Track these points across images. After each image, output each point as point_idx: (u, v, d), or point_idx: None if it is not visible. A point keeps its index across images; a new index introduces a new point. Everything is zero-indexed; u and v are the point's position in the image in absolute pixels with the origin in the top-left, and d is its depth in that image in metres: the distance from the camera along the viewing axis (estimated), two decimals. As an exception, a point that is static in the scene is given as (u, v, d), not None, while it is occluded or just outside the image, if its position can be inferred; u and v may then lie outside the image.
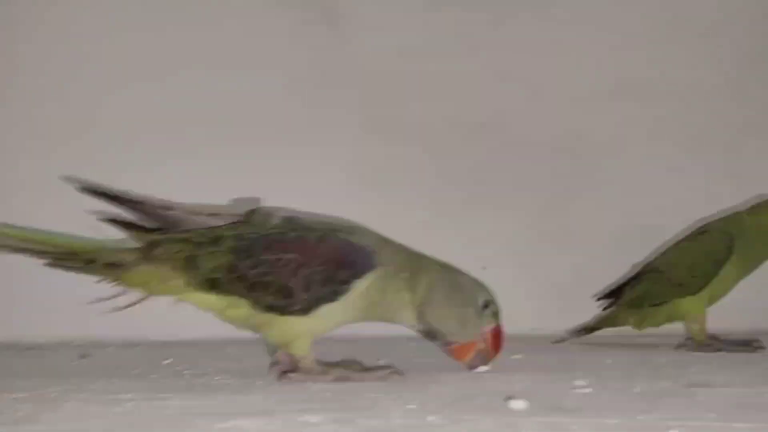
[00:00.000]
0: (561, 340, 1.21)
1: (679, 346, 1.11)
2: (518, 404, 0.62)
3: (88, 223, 0.79)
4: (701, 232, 1.13)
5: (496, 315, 0.83)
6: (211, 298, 0.77)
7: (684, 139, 1.42)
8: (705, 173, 1.33)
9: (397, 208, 1.37)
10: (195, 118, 1.33)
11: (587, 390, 0.70)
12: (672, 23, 1.44)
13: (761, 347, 1.08)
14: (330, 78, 1.38)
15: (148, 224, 0.78)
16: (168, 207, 0.78)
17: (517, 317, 1.35)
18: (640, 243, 1.33)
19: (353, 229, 0.82)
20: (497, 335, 0.83)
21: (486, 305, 0.82)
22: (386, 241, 0.82)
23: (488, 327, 0.83)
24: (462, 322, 0.81)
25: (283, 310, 0.76)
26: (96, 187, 0.79)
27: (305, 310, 0.77)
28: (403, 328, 1.33)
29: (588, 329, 1.22)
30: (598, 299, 1.24)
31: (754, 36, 1.43)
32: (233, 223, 0.79)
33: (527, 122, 1.41)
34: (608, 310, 1.22)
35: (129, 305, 0.78)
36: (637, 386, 0.72)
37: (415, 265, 0.82)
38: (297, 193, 1.32)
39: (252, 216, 0.79)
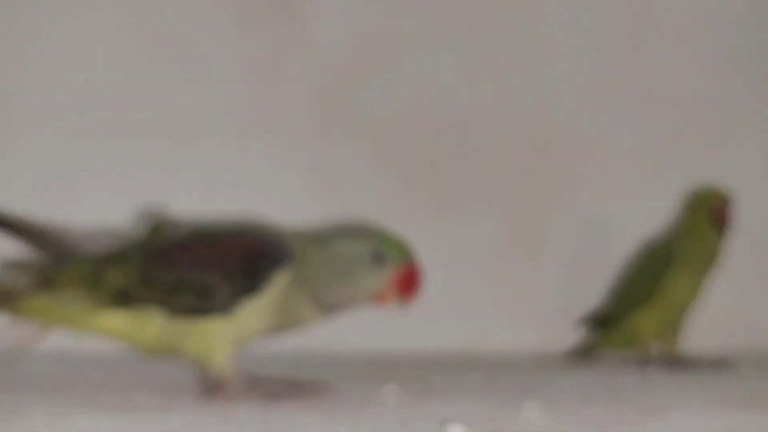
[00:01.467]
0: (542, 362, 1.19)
1: (625, 363, 1.12)
2: (455, 430, 0.59)
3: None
4: (649, 244, 1.16)
5: (399, 259, 0.75)
6: (119, 319, 0.73)
7: (659, 142, 1.41)
8: (680, 177, 1.31)
9: (358, 211, 1.34)
10: (141, 115, 1.30)
11: (534, 414, 0.67)
12: (648, 26, 1.42)
13: (728, 366, 1.07)
14: (286, 72, 1.34)
15: (45, 254, 0.74)
16: (66, 229, 0.75)
17: (484, 333, 1.34)
18: (615, 250, 1.31)
19: (263, 226, 0.78)
20: (405, 281, 0.75)
21: (377, 258, 0.75)
22: (291, 234, 0.78)
23: (392, 274, 0.75)
24: (356, 286, 0.75)
25: (204, 312, 0.73)
26: None
27: (227, 307, 0.73)
28: (355, 345, 1.30)
29: (573, 353, 1.20)
30: (581, 323, 1.22)
31: (729, 41, 1.42)
32: (139, 240, 0.76)
33: (498, 122, 1.39)
34: (587, 332, 1.20)
35: (29, 344, 0.75)
36: (587, 411, 0.69)
37: (300, 255, 0.76)
38: (251, 194, 1.30)
39: (160, 227, 0.77)
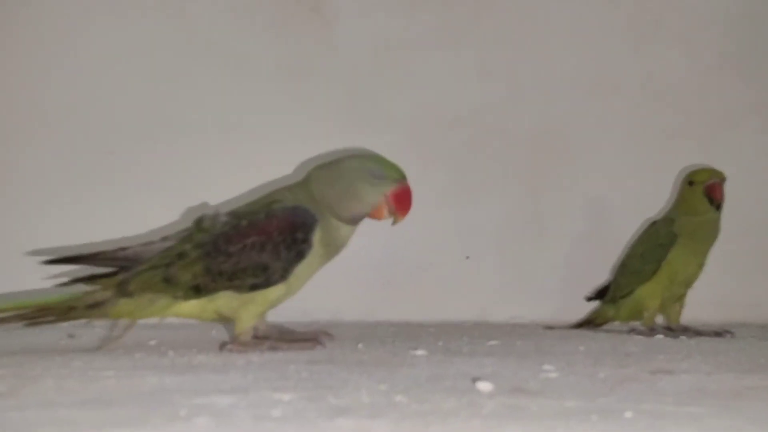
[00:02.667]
0: (551, 327, 1.25)
1: (631, 331, 1.16)
2: (484, 386, 0.64)
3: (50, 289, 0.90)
4: (652, 224, 1.21)
5: (396, 179, 0.88)
6: (192, 305, 0.86)
7: (660, 132, 1.45)
8: (680, 165, 1.36)
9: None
10: (177, 113, 1.35)
11: (553, 374, 0.72)
12: (651, 22, 1.46)
13: (730, 334, 1.13)
14: (314, 70, 1.39)
15: (109, 270, 0.87)
16: (123, 248, 0.88)
17: (497, 305, 1.39)
18: (618, 233, 1.36)
19: (279, 195, 0.89)
20: (400, 196, 0.88)
21: (374, 175, 0.87)
22: (296, 190, 0.89)
23: (389, 190, 0.87)
24: (358, 199, 0.86)
25: (265, 285, 0.85)
26: (59, 256, 0.89)
27: (283, 276, 0.84)
28: (384, 316, 1.36)
29: (580, 325, 1.26)
30: (589, 299, 1.28)
31: (729, 37, 1.46)
32: (185, 236, 0.87)
33: (508, 115, 1.43)
34: (595, 306, 1.27)
35: (119, 336, 0.89)
36: (602, 372, 0.74)
37: (311, 188, 0.88)
38: (282, 183, 1.34)
39: (201, 223, 0.87)
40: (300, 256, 0.85)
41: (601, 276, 1.33)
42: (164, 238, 0.89)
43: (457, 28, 1.42)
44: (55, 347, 0.93)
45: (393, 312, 1.35)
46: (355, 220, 0.88)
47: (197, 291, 0.84)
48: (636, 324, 1.19)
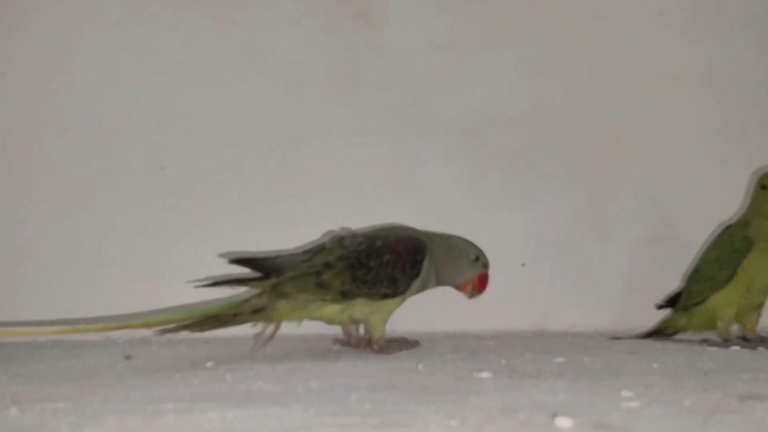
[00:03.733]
0: (617, 338, 1.20)
1: (703, 341, 1.10)
2: (564, 422, 0.60)
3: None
4: (726, 228, 1.14)
5: (485, 265, 1.11)
6: (336, 308, 1.01)
7: (725, 130, 1.37)
8: (746, 164, 1.29)
9: (434, 204, 1.35)
10: (232, 122, 1.33)
11: (635, 403, 0.68)
12: (712, 13, 1.38)
13: None
14: (364, 74, 1.36)
15: (262, 273, 1.00)
16: (277, 256, 1.02)
17: (556, 314, 1.34)
18: (686, 237, 1.30)
19: (399, 228, 1.13)
20: (483, 280, 1.11)
21: (477, 258, 1.10)
22: (412, 230, 1.10)
23: (477, 273, 1.11)
24: (459, 271, 1.09)
25: (393, 295, 1.03)
26: (238, 256, 1.01)
27: (405, 289, 1.04)
28: (441, 327, 1.33)
29: (649, 334, 1.20)
30: (659, 307, 1.22)
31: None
32: (324, 250, 1.03)
33: (565, 114, 1.37)
34: (665, 315, 1.21)
35: (270, 337, 1.00)
36: (686, 399, 0.69)
37: (430, 244, 1.08)
38: (337, 191, 1.32)
39: (343, 241, 1.04)
40: (417, 274, 1.04)
41: (666, 282, 1.27)
42: (305, 252, 1.04)
43: (510, 24, 1.37)
44: (113, 371, 0.92)
45: (449, 322, 1.31)
46: (441, 284, 1.09)
47: (343, 295, 1.00)
48: (709, 334, 1.13)
